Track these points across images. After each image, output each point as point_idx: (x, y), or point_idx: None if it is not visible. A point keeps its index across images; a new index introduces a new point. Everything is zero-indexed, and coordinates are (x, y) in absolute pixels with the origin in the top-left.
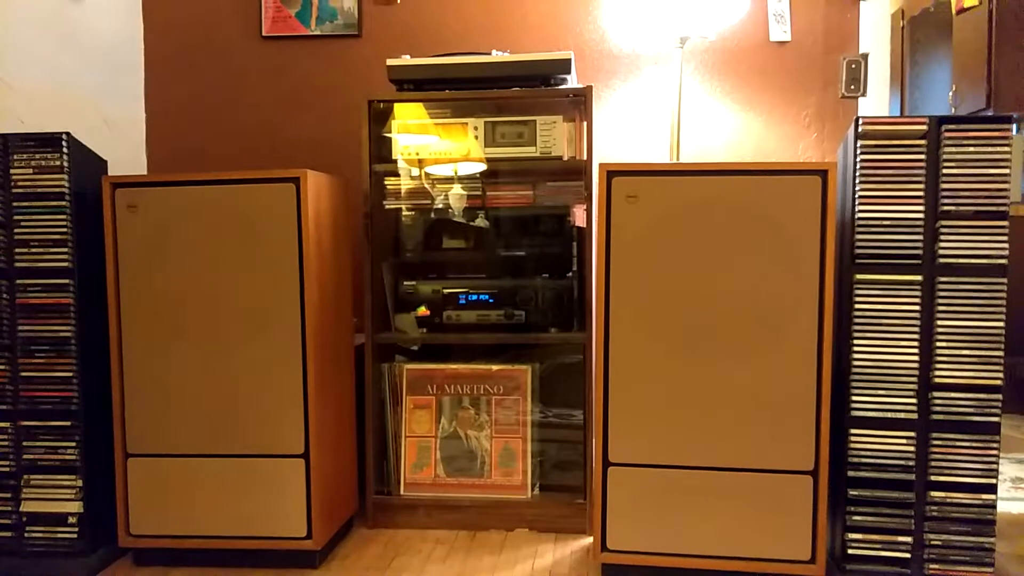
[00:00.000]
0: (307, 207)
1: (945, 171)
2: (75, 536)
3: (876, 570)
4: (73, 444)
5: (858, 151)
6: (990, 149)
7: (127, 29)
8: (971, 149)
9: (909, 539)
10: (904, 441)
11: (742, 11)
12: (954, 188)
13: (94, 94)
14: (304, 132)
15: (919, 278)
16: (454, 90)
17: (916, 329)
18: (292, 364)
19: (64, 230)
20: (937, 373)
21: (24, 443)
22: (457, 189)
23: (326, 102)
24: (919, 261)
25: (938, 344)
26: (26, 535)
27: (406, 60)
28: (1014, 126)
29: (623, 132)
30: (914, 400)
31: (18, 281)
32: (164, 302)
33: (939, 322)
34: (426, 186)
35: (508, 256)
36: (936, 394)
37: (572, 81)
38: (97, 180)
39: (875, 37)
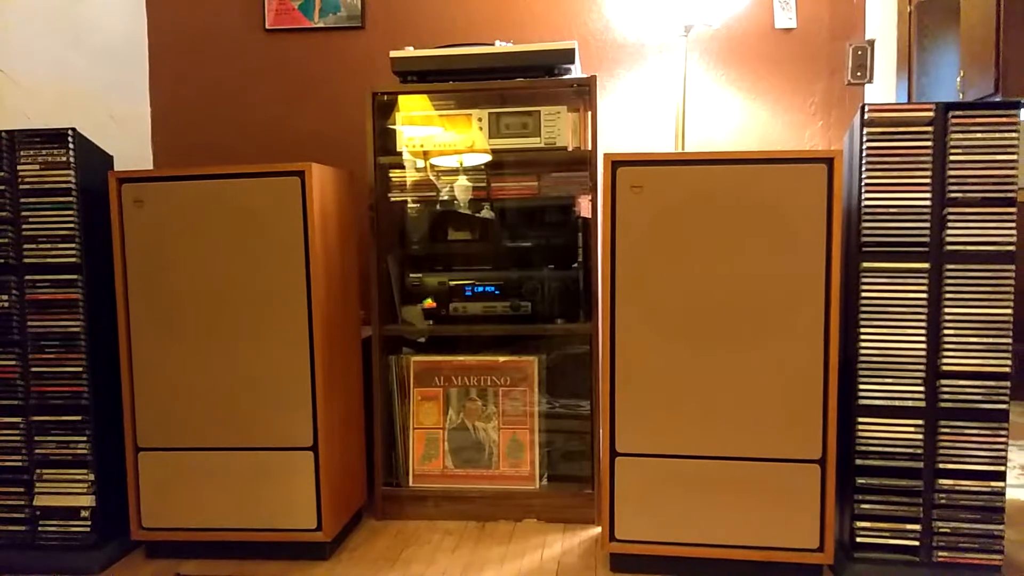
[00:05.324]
0: (312, 200)
1: (952, 158)
2: (88, 530)
3: (885, 558)
4: (84, 439)
5: (864, 138)
6: (998, 135)
7: (131, 24)
8: (978, 135)
9: (918, 527)
10: (912, 429)
11: None
12: (961, 175)
13: (99, 89)
14: (308, 125)
15: (926, 265)
16: (458, 81)
17: (923, 316)
18: (300, 357)
19: (71, 226)
20: (945, 360)
21: (36, 438)
22: (462, 181)
23: (330, 95)
24: (926, 248)
25: (946, 331)
26: (39, 529)
27: (410, 52)
28: (1022, 112)
29: (628, 122)
30: (922, 388)
31: (27, 277)
32: (172, 296)
33: (947, 309)
34: (431, 178)
35: (514, 247)
36: (944, 382)
37: (576, 71)
38: (103, 175)
39: (882, 23)
